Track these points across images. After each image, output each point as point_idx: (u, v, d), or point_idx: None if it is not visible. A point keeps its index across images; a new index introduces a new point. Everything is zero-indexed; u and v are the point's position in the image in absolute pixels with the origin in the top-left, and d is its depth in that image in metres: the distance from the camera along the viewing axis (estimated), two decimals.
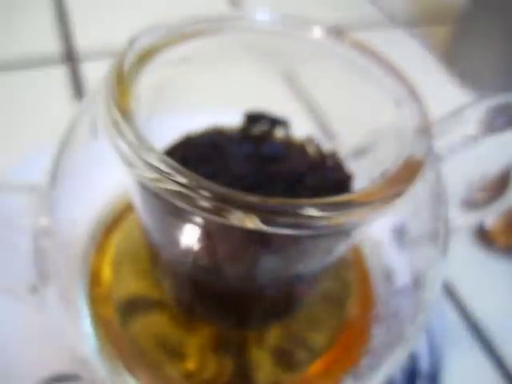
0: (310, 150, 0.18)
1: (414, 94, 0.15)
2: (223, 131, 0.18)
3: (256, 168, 0.16)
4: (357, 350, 0.18)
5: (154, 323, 0.18)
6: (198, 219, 0.13)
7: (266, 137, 0.18)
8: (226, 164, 0.16)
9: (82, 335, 0.17)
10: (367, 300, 0.19)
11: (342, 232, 0.14)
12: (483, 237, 0.27)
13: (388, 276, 0.19)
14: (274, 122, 0.18)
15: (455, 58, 0.40)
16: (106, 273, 0.19)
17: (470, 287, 0.26)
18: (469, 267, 0.27)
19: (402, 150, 0.13)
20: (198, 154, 0.15)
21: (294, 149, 0.18)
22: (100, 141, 0.13)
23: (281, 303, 0.18)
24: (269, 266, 0.15)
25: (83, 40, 0.37)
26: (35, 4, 0.40)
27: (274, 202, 0.11)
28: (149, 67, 0.14)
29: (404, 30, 0.45)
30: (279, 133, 0.19)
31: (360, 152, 0.19)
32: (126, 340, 0.17)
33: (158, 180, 0.11)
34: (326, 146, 0.19)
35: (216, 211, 0.11)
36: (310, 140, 0.19)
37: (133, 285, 0.19)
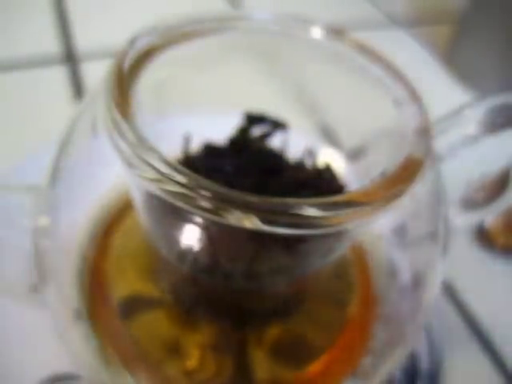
0: (307, 161, 0.19)
1: (413, 94, 0.15)
2: (217, 147, 0.18)
3: (252, 181, 0.17)
4: (357, 349, 0.18)
5: (154, 322, 0.18)
6: (198, 219, 0.13)
7: (263, 145, 0.18)
8: (222, 178, 0.16)
9: (82, 335, 0.17)
10: (368, 300, 0.19)
11: (342, 232, 0.14)
12: (483, 237, 0.27)
13: (388, 276, 0.19)
14: (273, 124, 0.18)
15: (455, 58, 0.40)
16: (106, 272, 0.19)
17: (470, 287, 0.26)
18: (468, 267, 0.27)
19: (401, 150, 0.13)
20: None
21: (290, 161, 0.18)
22: (100, 141, 0.13)
23: (280, 302, 0.18)
24: (268, 265, 0.15)
25: (83, 40, 0.37)
26: (35, 4, 0.40)
27: (274, 201, 0.11)
28: (149, 67, 0.14)
29: (404, 30, 0.45)
30: (278, 137, 0.19)
31: (360, 152, 0.19)
32: (125, 340, 0.17)
33: (157, 180, 0.11)
34: (326, 147, 0.19)
35: (215, 211, 0.11)
36: (307, 152, 0.19)
37: (133, 284, 0.19)
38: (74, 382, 0.19)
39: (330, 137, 0.21)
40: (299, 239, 0.13)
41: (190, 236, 0.14)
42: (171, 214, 0.13)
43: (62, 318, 0.17)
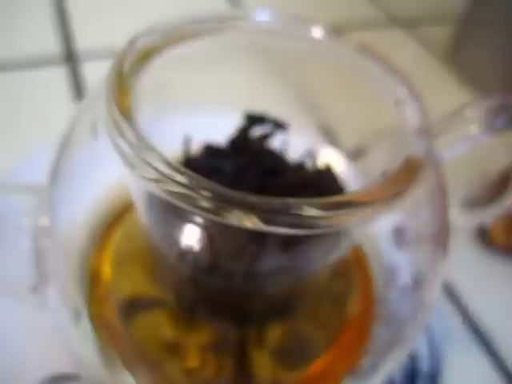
0: (307, 162, 0.19)
1: (414, 94, 0.15)
2: (218, 148, 0.18)
3: (252, 181, 0.16)
4: (357, 349, 0.18)
5: (154, 323, 0.18)
6: (198, 219, 0.13)
7: (263, 146, 0.18)
8: (222, 179, 0.16)
9: (82, 335, 0.17)
10: (368, 300, 0.19)
11: (342, 232, 0.14)
12: (483, 237, 0.27)
13: (388, 276, 0.19)
14: (274, 124, 0.18)
15: (455, 58, 0.40)
16: (106, 272, 0.19)
17: (470, 287, 0.26)
18: (469, 267, 0.27)
19: (401, 150, 0.13)
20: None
21: (290, 162, 0.18)
22: (100, 141, 0.13)
23: (280, 302, 0.18)
24: (268, 265, 0.15)
25: (83, 40, 0.37)
26: (35, 4, 0.40)
27: (274, 201, 0.11)
28: (149, 67, 0.14)
29: (404, 30, 0.45)
30: (279, 137, 0.19)
31: (360, 152, 0.19)
32: (125, 340, 0.17)
33: (158, 180, 0.11)
34: (326, 147, 0.19)
35: (216, 211, 0.11)
36: (307, 152, 0.19)
37: (133, 284, 0.19)
38: (74, 382, 0.19)
39: (330, 137, 0.21)
40: (299, 239, 0.13)
41: (191, 236, 0.14)
42: (171, 214, 0.14)
43: (62, 318, 0.17)
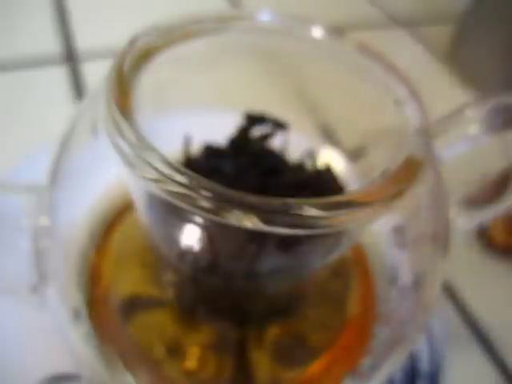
0: (307, 162, 0.19)
1: (414, 94, 0.15)
2: (218, 148, 0.18)
3: (252, 181, 0.17)
4: (357, 349, 0.18)
5: (154, 322, 0.18)
6: (198, 219, 0.13)
7: (263, 146, 0.18)
8: (222, 179, 0.16)
9: (81, 335, 0.17)
10: (368, 300, 0.19)
11: (342, 232, 0.14)
12: (483, 237, 0.27)
13: (388, 276, 0.19)
14: (274, 124, 0.18)
15: (456, 58, 0.40)
16: (106, 272, 0.19)
17: (470, 287, 0.26)
18: (468, 267, 0.27)
19: (401, 150, 0.13)
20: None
21: (290, 162, 0.18)
22: (100, 141, 0.13)
23: (281, 301, 0.18)
24: (268, 265, 0.15)
25: (83, 40, 0.37)
26: (35, 4, 0.40)
27: (274, 201, 0.11)
28: (149, 67, 0.14)
29: (404, 29, 0.45)
30: (279, 137, 0.19)
31: (360, 152, 0.19)
32: (125, 340, 0.17)
33: (158, 180, 0.11)
34: (326, 147, 0.19)
35: (216, 211, 0.11)
36: (307, 152, 0.19)
37: (133, 284, 0.19)
38: (74, 382, 0.19)
39: (330, 137, 0.21)
40: (299, 239, 0.13)
41: (190, 236, 0.14)
42: (171, 213, 0.14)
43: (61, 318, 0.17)
